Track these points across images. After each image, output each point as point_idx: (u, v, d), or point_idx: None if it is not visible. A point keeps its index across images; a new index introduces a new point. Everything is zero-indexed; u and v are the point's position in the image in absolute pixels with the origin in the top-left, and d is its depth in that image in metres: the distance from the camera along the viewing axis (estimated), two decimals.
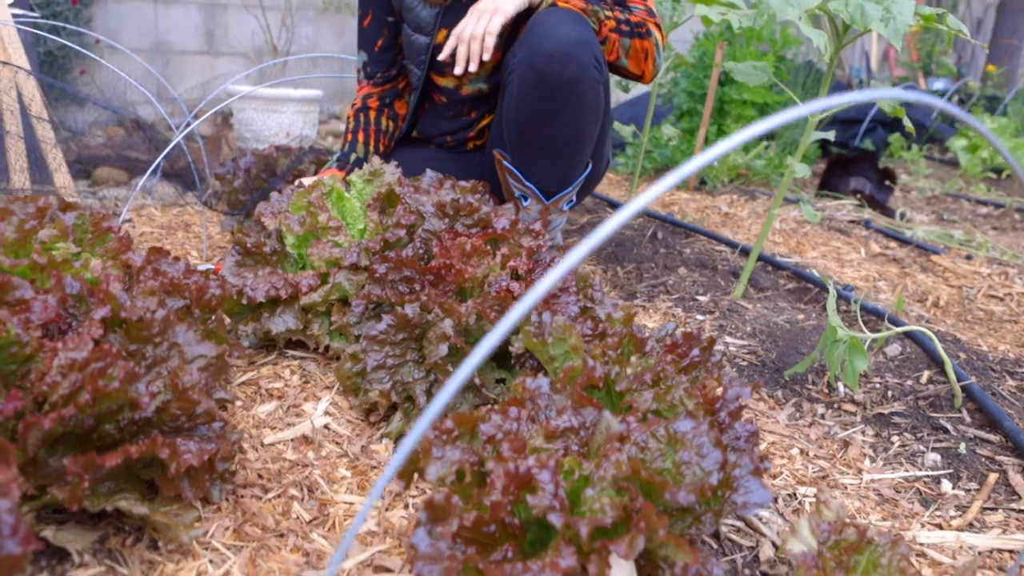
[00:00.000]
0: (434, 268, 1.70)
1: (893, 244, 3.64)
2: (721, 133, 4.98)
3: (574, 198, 2.66)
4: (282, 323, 1.89)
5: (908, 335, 2.22)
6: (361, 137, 2.72)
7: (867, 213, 4.15)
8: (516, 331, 1.57)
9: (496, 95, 2.69)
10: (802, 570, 1.09)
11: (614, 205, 4.06)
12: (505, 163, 2.50)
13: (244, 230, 2.02)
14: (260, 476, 1.45)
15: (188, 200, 3.36)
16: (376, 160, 2.08)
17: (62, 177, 3.11)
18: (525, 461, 1.05)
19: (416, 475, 1.18)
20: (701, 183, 4.79)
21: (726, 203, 4.33)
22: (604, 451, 1.13)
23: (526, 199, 2.51)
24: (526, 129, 2.37)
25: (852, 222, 3.98)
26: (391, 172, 2.04)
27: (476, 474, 1.13)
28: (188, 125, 3.12)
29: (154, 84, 5.44)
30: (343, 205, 2.04)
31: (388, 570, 1.22)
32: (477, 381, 1.58)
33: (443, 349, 1.57)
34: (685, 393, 1.23)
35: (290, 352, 1.95)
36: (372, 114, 2.75)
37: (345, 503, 1.40)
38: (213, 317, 1.61)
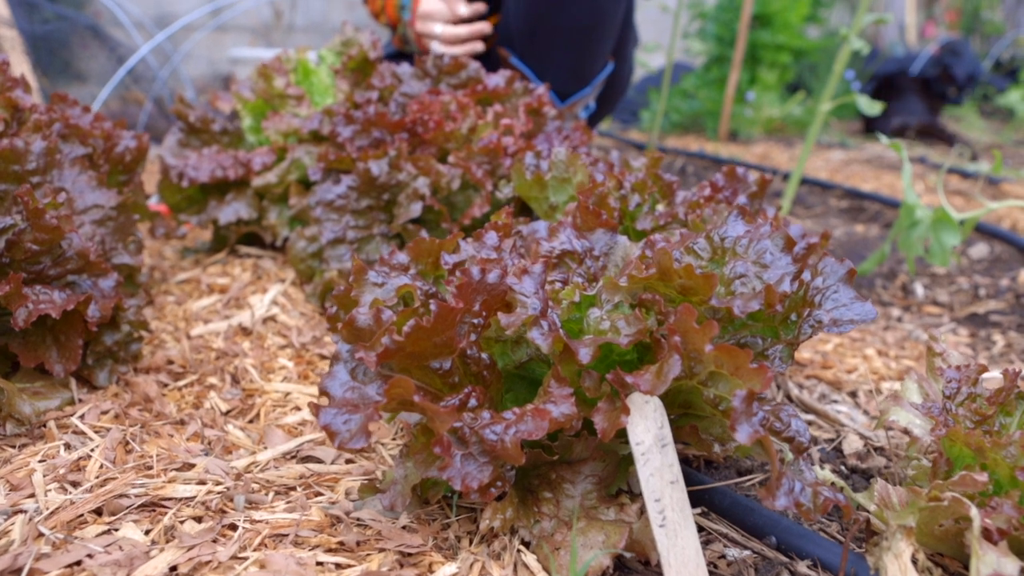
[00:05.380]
0: (407, 123, 1.36)
1: (954, 179, 3.22)
2: (755, 81, 4.59)
3: (592, 104, 2.30)
4: (232, 212, 1.55)
5: (999, 235, 1.83)
6: None
7: (920, 150, 3.74)
8: (505, 176, 1.22)
9: None
10: (918, 442, 0.73)
11: (640, 147, 3.71)
12: (512, 60, 2.15)
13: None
14: (172, 363, 1.11)
15: None
16: (348, 27, 1.74)
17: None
18: (496, 270, 0.70)
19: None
20: (733, 135, 4.40)
21: (761, 150, 3.96)
22: (620, 274, 0.77)
23: None
24: (541, 13, 2.02)
25: None
26: (366, 39, 1.70)
27: (429, 306, 0.78)
28: (171, 61, 2.80)
29: (160, 60, 5.17)
30: (310, 80, 1.70)
31: (317, 460, 0.88)
32: None
33: (415, 209, 1.22)
34: (736, 212, 0.87)
35: (244, 250, 1.62)
36: None
37: (277, 392, 1.05)
38: (127, 178, 1.28)
